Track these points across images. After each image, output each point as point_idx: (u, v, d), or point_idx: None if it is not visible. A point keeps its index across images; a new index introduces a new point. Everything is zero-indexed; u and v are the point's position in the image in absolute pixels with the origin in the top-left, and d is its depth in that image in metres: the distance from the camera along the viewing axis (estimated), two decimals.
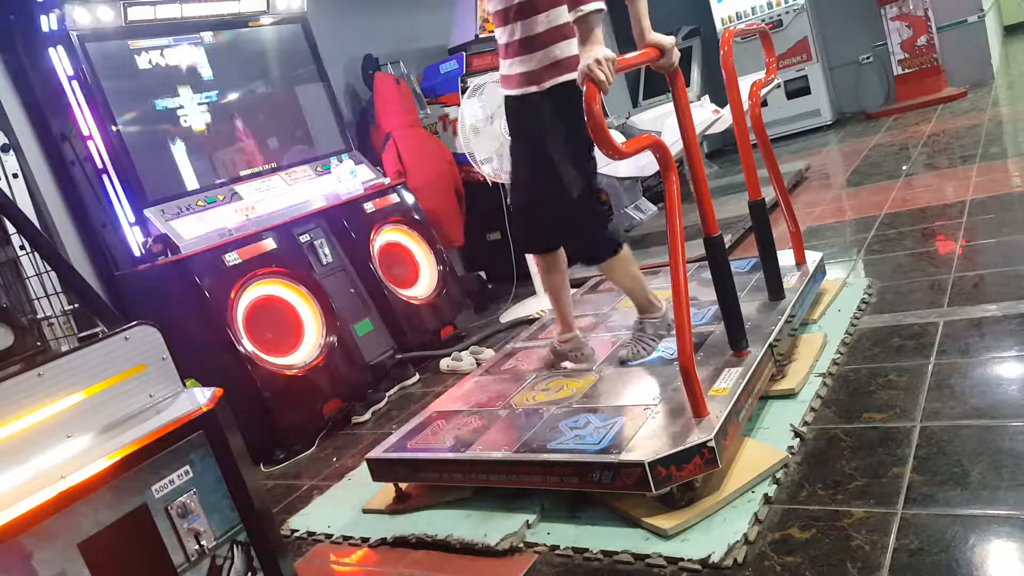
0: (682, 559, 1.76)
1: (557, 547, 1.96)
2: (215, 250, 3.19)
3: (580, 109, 2.24)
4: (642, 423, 2.08)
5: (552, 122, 2.34)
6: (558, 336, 2.70)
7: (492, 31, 2.72)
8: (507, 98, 2.49)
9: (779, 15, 7.37)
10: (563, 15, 2.24)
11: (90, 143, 3.27)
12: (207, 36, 3.74)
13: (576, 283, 4.10)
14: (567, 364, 2.68)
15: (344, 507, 2.53)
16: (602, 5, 2.02)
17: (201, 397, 1.66)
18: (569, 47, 2.27)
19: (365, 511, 2.44)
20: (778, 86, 6.55)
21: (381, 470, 2.42)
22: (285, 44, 4.14)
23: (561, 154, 2.35)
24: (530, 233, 2.62)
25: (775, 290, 2.73)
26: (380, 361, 3.63)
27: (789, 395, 2.35)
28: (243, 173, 3.74)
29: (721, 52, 2.70)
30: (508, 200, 3.69)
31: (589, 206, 2.42)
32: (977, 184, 4.01)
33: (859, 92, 7.65)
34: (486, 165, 3.97)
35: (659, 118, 5.38)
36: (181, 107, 3.58)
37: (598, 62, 1.90)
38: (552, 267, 2.63)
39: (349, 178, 3.94)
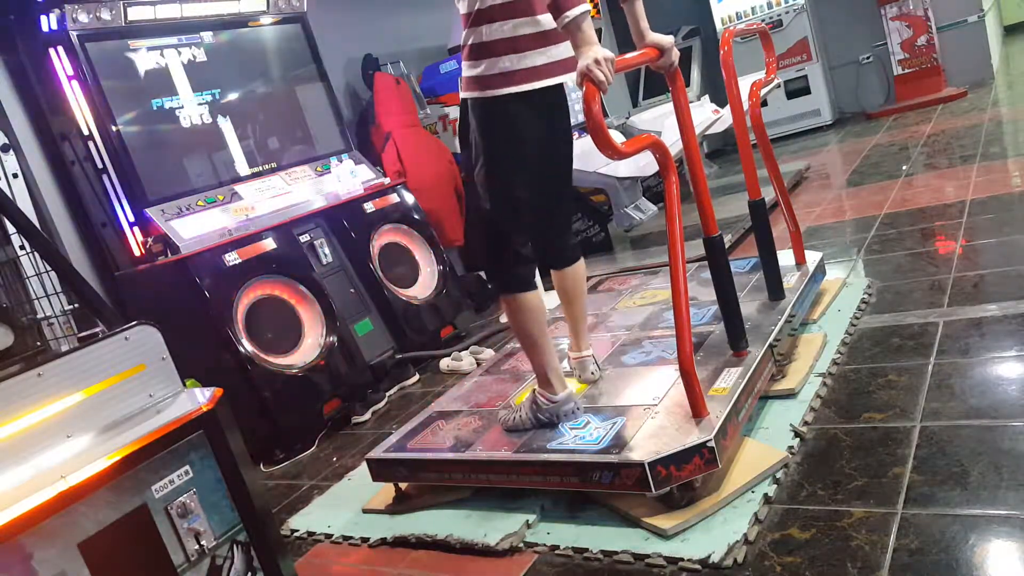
0: (682, 559, 1.76)
1: (557, 547, 1.96)
2: (215, 250, 3.19)
3: (517, 126, 2.19)
4: (642, 423, 2.07)
5: (483, 132, 2.24)
6: (569, 351, 2.57)
7: None
8: (460, 99, 2.40)
9: (779, 15, 7.36)
10: (519, 28, 2.14)
11: (90, 143, 3.27)
12: (207, 36, 3.74)
13: None
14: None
15: (344, 507, 2.53)
16: (587, 7, 1.99)
17: (201, 397, 1.66)
18: (522, 60, 2.16)
19: (365, 511, 2.44)
20: (778, 86, 6.54)
21: (381, 470, 2.42)
22: (285, 44, 4.14)
23: (486, 165, 2.25)
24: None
25: (775, 290, 2.73)
26: (380, 361, 3.63)
27: (789, 395, 2.34)
28: (243, 173, 3.74)
29: (721, 52, 2.70)
30: None
31: (491, 232, 2.27)
32: (977, 184, 4.01)
33: (859, 92, 7.64)
34: None
35: (659, 118, 5.39)
36: (181, 107, 3.58)
37: (597, 62, 1.89)
38: (559, 287, 2.52)
39: (349, 178, 3.94)
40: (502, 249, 2.27)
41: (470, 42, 2.24)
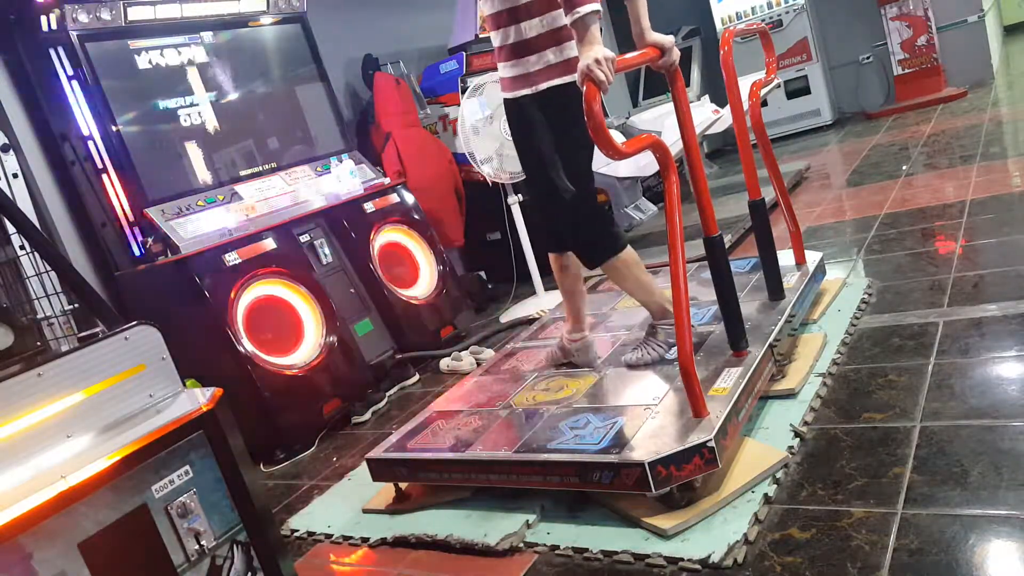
0: (682, 559, 1.76)
1: (557, 547, 1.96)
2: (215, 250, 3.19)
3: (572, 112, 2.26)
4: (642, 423, 2.07)
5: (542, 125, 2.35)
6: (567, 334, 2.68)
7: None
8: (504, 100, 2.51)
9: (779, 15, 7.37)
10: (557, 19, 2.25)
11: (90, 143, 3.27)
12: (207, 36, 3.74)
13: None
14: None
15: (344, 507, 2.53)
16: (598, 6, 2.03)
17: (201, 397, 1.66)
18: (562, 51, 2.28)
19: (365, 511, 2.44)
20: (778, 86, 6.54)
21: (381, 470, 2.42)
22: (285, 44, 4.14)
23: (552, 156, 2.35)
24: (539, 233, 2.64)
25: (775, 290, 2.73)
26: (380, 361, 3.63)
27: (789, 395, 2.35)
28: (243, 173, 3.74)
29: (721, 52, 2.70)
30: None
31: (583, 209, 2.40)
32: (977, 184, 4.01)
33: (859, 92, 7.64)
34: (486, 165, 3.97)
35: (659, 118, 5.39)
36: (181, 107, 3.58)
37: (597, 62, 1.90)
38: (565, 266, 2.60)
39: (349, 178, 3.93)
40: (599, 218, 2.41)
41: (511, 41, 2.28)
